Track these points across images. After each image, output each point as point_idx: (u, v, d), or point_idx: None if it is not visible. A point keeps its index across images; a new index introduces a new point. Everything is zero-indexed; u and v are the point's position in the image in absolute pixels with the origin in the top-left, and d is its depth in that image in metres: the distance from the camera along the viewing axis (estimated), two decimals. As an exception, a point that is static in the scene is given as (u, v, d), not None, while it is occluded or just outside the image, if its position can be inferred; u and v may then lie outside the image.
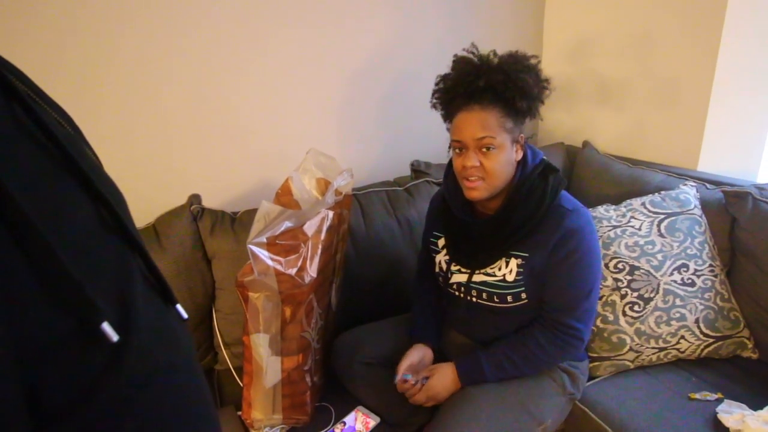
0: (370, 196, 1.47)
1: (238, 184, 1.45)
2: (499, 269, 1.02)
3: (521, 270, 1.00)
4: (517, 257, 1.01)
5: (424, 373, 1.08)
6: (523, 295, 1.01)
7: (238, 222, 1.30)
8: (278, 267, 0.95)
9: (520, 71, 0.94)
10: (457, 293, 1.11)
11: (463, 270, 1.08)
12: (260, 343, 1.00)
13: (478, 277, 1.05)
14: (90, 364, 0.29)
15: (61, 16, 1.09)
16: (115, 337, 0.29)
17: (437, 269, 1.15)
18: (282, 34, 1.37)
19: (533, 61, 0.99)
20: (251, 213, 1.33)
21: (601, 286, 1.19)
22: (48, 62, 1.11)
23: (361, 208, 1.42)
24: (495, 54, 0.99)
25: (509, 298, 1.02)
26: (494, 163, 0.96)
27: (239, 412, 1.10)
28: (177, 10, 1.22)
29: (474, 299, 1.07)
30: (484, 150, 0.95)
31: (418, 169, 1.56)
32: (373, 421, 1.09)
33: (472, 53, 1.00)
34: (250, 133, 1.41)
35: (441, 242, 1.14)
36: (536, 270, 0.99)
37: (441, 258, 1.14)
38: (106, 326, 0.29)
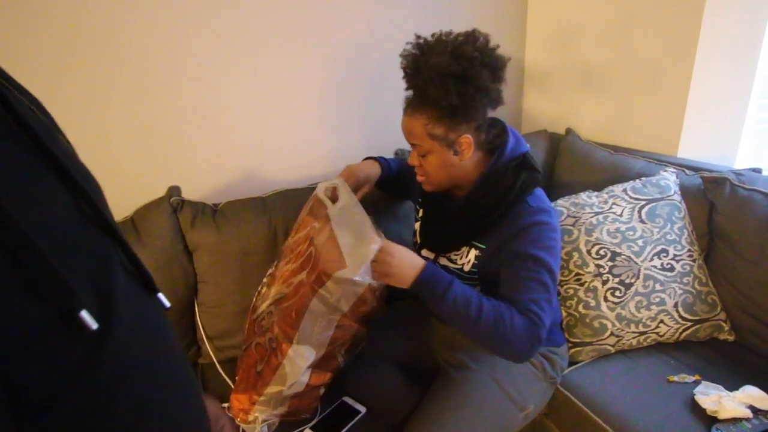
0: (353, 185, 1.45)
1: (219, 175, 1.42)
2: (461, 258, 1.03)
3: (477, 262, 1.00)
4: (477, 248, 1.00)
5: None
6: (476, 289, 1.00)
7: (219, 213, 1.28)
8: (373, 284, 0.95)
9: (436, 69, 0.86)
10: None
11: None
12: (304, 356, 0.96)
13: (442, 260, 1.07)
14: (70, 355, 0.28)
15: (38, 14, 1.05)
16: (94, 325, 0.29)
17: (413, 233, 1.18)
18: (262, 22, 1.33)
19: (472, 46, 0.88)
20: (233, 204, 1.31)
21: (582, 275, 1.21)
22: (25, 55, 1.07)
23: (344, 198, 1.41)
24: (435, 37, 0.91)
25: None
26: (429, 166, 0.99)
27: (224, 405, 1.10)
28: (153, 6, 1.18)
29: None
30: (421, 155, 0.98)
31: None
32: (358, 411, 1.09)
33: (412, 53, 0.92)
34: (231, 123, 1.38)
35: (421, 213, 1.15)
36: (490, 262, 0.98)
37: (418, 226, 1.15)
38: (84, 314, 0.28)
